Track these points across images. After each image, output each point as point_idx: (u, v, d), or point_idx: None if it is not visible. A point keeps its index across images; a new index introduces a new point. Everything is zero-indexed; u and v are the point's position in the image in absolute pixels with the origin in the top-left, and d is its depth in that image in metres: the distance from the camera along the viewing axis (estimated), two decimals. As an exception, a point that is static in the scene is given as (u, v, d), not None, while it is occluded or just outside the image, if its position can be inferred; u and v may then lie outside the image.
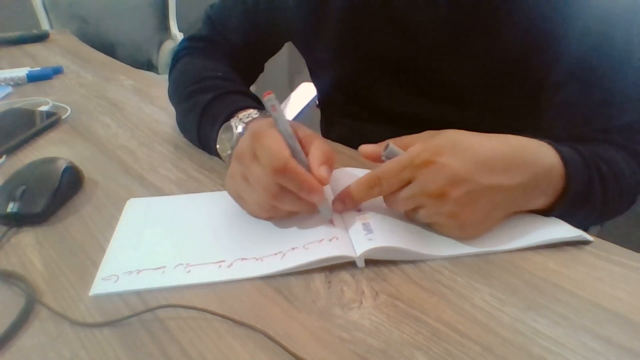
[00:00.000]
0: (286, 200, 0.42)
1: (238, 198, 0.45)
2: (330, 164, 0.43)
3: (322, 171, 0.41)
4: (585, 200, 0.45)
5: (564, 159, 0.43)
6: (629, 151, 0.49)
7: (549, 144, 0.44)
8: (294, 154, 0.42)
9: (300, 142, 0.44)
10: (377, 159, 0.44)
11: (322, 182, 0.41)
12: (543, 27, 0.50)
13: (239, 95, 0.58)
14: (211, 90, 0.58)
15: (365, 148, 0.46)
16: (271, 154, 0.40)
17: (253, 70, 0.75)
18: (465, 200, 0.39)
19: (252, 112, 0.53)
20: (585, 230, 0.43)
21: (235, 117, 0.52)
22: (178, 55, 0.71)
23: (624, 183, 0.47)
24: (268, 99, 0.42)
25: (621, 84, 0.49)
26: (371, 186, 0.42)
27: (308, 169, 0.42)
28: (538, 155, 0.42)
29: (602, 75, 0.49)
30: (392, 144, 0.43)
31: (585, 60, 0.49)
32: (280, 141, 0.41)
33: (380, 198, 0.43)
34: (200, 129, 0.58)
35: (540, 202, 0.43)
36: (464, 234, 0.42)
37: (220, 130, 0.53)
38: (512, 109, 0.57)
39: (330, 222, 0.43)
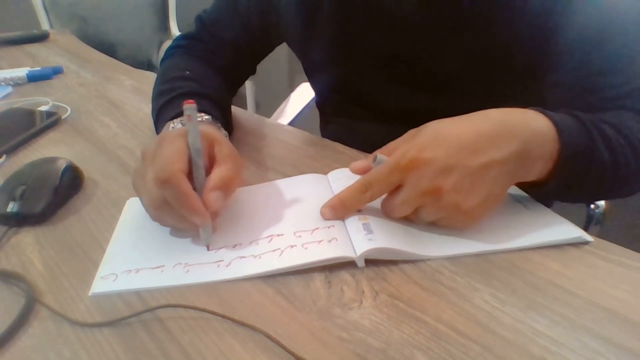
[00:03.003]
0: (168, 213, 0.41)
1: (137, 194, 0.45)
2: (227, 190, 0.42)
3: (211, 196, 0.40)
4: (589, 161, 0.43)
5: (554, 121, 0.42)
6: (638, 112, 0.47)
7: (535, 109, 0.43)
8: (194, 169, 0.41)
9: (212, 160, 0.44)
10: (368, 171, 0.44)
11: (207, 207, 0.40)
12: (528, 8, 0.50)
13: (195, 98, 0.56)
14: (168, 92, 0.59)
15: (355, 165, 0.47)
16: (162, 163, 0.40)
17: (243, 71, 0.75)
18: (461, 186, 0.39)
19: (201, 115, 0.53)
20: (587, 228, 0.43)
21: (177, 119, 0.53)
22: (164, 56, 0.73)
23: (637, 143, 0.45)
24: (186, 107, 0.41)
25: (625, 50, 0.48)
26: (362, 191, 0.42)
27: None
28: (523, 121, 0.41)
29: (597, 45, 0.48)
30: (379, 154, 0.43)
31: (578, 32, 0.49)
32: (179, 153, 0.41)
33: (381, 198, 0.43)
34: (157, 131, 0.59)
35: (539, 167, 0.42)
36: (471, 220, 0.41)
37: (162, 132, 0.53)
38: (505, 96, 0.57)
39: (207, 247, 0.42)
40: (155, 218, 0.43)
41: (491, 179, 0.40)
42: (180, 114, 0.53)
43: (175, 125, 0.52)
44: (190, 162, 0.42)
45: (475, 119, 0.41)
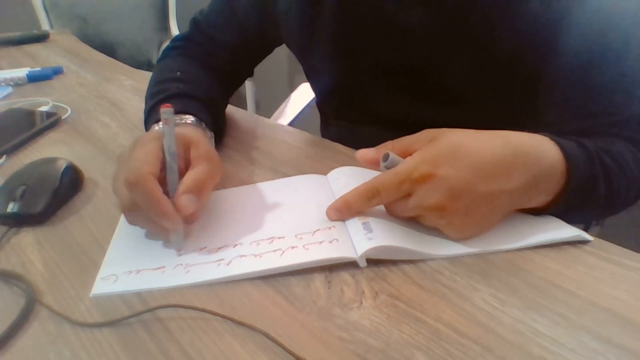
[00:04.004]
0: (140, 217, 0.41)
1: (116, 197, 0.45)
2: (200, 193, 0.42)
3: (182, 199, 0.40)
4: (587, 196, 0.44)
5: (565, 154, 0.42)
6: (633, 142, 0.48)
7: (552, 139, 0.43)
8: (167, 173, 0.41)
9: (188, 163, 0.44)
10: (376, 164, 0.44)
11: (179, 210, 0.40)
12: (538, 23, 0.50)
13: (182, 99, 0.57)
14: (158, 94, 0.59)
15: (364, 154, 0.46)
16: (132, 166, 0.40)
17: (239, 73, 0.75)
18: (465, 210, 0.40)
19: (186, 117, 0.53)
20: (587, 228, 0.43)
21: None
22: (160, 57, 0.73)
23: (631, 175, 0.46)
24: (163, 111, 0.41)
25: (618, 77, 0.49)
26: (369, 197, 0.42)
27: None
28: (540, 154, 0.42)
29: (597, 69, 0.49)
30: (392, 150, 0.43)
31: (579, 54, 0.49)
32: (151, 155, 0.41)
33: None
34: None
35: (540, 200, 0.43)
36: (462, 237, 0.42)
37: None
38: (507, 107, 0.57)
39: (177, 252, 0.42)
40: (129, 221, 0.43)
41: (494, 206, 0.41)
42: None
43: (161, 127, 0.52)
44: (164, 165, 0.42)
45: (494, 141, 0.41)
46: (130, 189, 0.40)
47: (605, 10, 0.48)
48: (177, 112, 0.54)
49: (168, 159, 0.42)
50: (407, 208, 0.41)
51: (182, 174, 0.43)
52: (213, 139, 0.56)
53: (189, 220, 0.43)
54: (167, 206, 0.40)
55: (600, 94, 0.49)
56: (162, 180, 0.41)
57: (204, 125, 0.55)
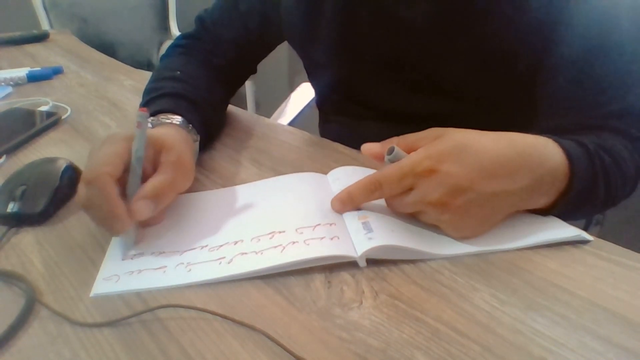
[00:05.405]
0: (92, 213, 0.41)
1: None
2: (158, 200, 0.42)
3: (138, 204, 0.41)
4: (588, 196, 0.44)
5: (569, 156, 0.42)
6: (626, 136, 0.49)
7: (555, 141, 0.43)
8: (130, 175, 0.42)
9: (157, 166, 0.44)
10: (380, 159, 0.44)
11: (132, 214, 0.40)
12: (532, 17, 0.50)
13: (174, 99, 0.57)
14: (152, 92, 0.59)
15: (369, 148, 0.46)
16: (93, 163, 0.40)
17: (243, 70, 0.75)
18: (466, 208, 0.40)
19: (173, 117, 0.53)
20: (587, 228, 0.43)
21: (150, 118, 0.53)
22: (163, 55, 0.73)
23: (626, 171, 0.47)
24: (138, 114, 0.41)
25: (614, 70, 0.49)
26: (372, 190, 0.42)
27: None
28: (544, 156, 0.42)
29: (593, 62, 0.49)
30: (397, 145, 0.43)
31: (576, 47, 0.50)
32: (114, 156, 0.41)
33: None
34: None
35: (543, 202, 0.43)
36: (462, 236, 0.42)
37: None
38: (505, 101, 0.58)
39: (126, 252, 0.42)
40: (90, 217, 0.43)
41: (496, 206, 0.41)
42: (155, 113, 0.54)
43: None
44: (128, 166, 0.42)
45: (500, 142, 0.41)
46: (85, 186, 0.40)
47: (602, 6, 0.49)
48: (166, 112, 0.54)
49: (133, 161, 0.42)
50: (409, 202, 0.41)
51: (148, 178, 0.43)
52: (198, 143, 0.56)
53: (149, 222, 0.44)
54: (118, 208, 0.40)
55: (595, 88, 0.50)
56: (122, 181, 0.42)
57: (190, 127, 0.55)
